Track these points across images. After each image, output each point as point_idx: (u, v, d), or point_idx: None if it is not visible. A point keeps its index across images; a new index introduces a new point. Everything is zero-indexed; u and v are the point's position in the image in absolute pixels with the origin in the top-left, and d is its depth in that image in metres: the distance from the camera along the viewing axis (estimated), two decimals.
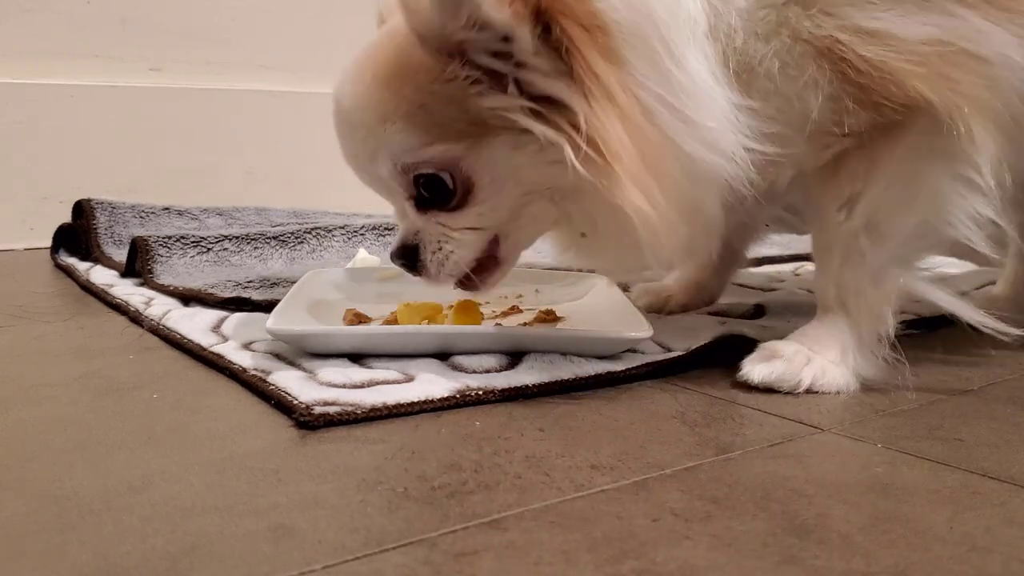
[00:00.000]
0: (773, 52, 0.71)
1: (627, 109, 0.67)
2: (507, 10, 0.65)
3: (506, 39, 0.67)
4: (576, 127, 0.67)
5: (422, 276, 0.80)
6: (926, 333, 0.95)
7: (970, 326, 0.79)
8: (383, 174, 0.76)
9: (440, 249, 0.78)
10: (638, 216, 0.68)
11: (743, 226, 1.03)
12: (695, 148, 0.69)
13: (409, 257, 0.80)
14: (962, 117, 0.70)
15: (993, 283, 1.18)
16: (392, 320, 0.91)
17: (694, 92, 0.68)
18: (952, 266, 1.33)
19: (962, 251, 0.78)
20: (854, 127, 0.74)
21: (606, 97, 0.66)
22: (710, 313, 1.03)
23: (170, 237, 1.28)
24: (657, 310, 1.04)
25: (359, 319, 0.91)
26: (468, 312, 0.92)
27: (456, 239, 0.78)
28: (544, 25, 0.67)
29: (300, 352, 0.83)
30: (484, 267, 0.81)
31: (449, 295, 0.92)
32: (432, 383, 0.75)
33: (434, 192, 0.76)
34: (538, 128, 0.69)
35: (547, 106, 0.69)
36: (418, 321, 0.90)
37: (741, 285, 1.20)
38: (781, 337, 0.84)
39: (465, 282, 0.81)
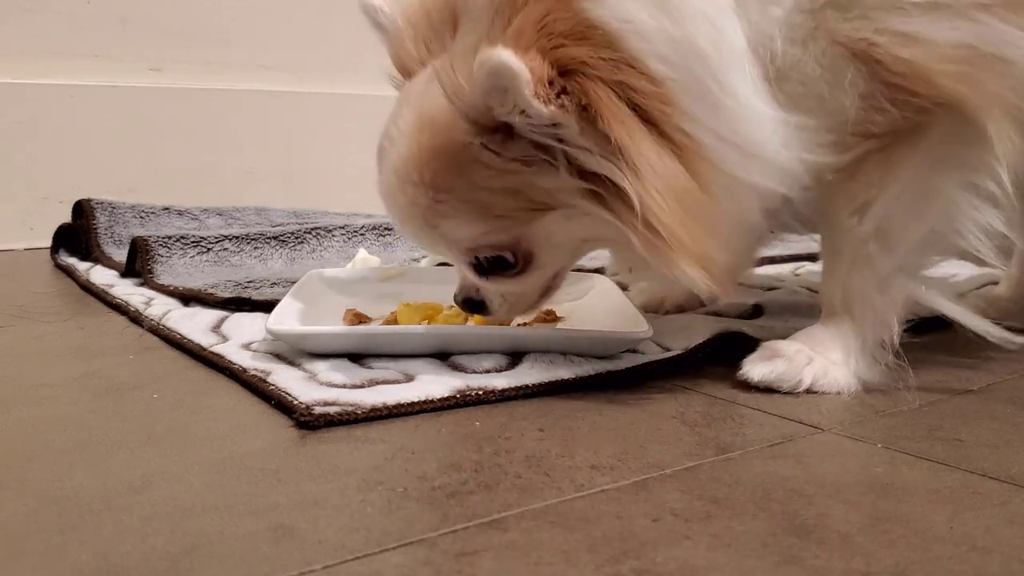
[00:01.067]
0: (810, 56, 0.71)
1: (672, 173, 0.66)
2: (552, 104, 0.64)
3: (554, 125, 0.66)
4: (630, 206, 0.66)
5: (488, 317, 0.84)
6: (926, 334, 0.95)
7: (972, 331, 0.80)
8: (443, 252, 0.79)
9: (506, 299, 0.81)
10: (696, 285, 0.68)
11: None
12: (751, 175, 0.69)
13: (476, 307, 0.83)
14: (985, 115, 0.71)
15: (994, 283, 1.17)
16: (392, 320, 0.91)
17: (745, 116, 0.68)
18: (951, 266, 1.33)
19: (964, 253, 0.78)
20: (881, 126, 0.74)
21: (651, 170, 0.65)
22: (708, 313, 1.03)
23: (170, 237, 1.28)
24: (653, 310, 1.04)
25: (359, 319, 0.91)
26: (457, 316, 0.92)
27: (520, 292, 0.81)
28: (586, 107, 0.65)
29: (300, 352, 0.83)
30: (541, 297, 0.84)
31: (438, 297, 0.94)
32: (432, 383, 0.75)
33: (496, 265, 0.77)
34: (595, 211, 0.69)
35: (600, 184, 0.68)
36: (418, 321, 0.90)
37: (739, 284, 1.19)
38: (779, 337, 0.84)
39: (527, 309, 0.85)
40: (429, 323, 0.91)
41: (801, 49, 0.71)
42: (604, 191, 0.68)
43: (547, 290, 0.83)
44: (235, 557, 0.47)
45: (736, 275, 0.84)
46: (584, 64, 0.65)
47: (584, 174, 0.68)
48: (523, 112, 0.65)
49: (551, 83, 0.64)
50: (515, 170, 0.69)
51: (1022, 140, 0.72)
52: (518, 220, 0.73)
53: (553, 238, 0.75)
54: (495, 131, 0.68)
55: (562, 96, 0.64)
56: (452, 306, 0.93)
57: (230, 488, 0.56)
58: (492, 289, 0.80)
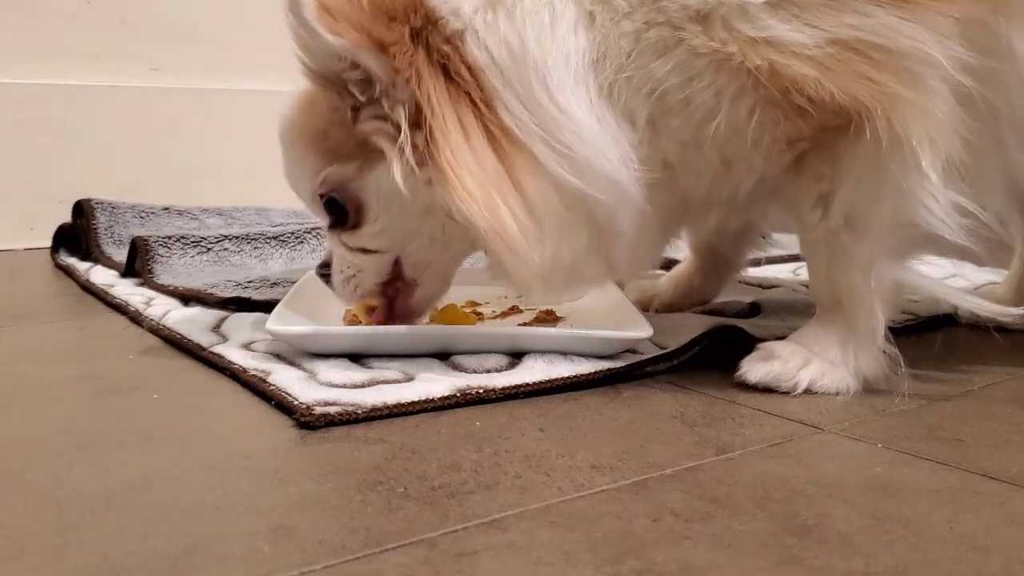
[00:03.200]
0: (672, 68, 0.72)
1: (471, 132, 0.72)
2: (344, 38, 0.72)
3: (357, 66, 0.74)
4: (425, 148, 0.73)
5: (335, 293, 0.87)
6: (926, 333, 0.95)
7: (969, 325, 0.79)
8: (307, 200, 0.84)
9: (343, 270, 0.84)
10: (486, 230, 0.71)
11: (734, 234, 1.03)
12: (564, 175, 0.73)
13: (326, 275, 0.87)
14: (892, 119, 0.70)
15: (994, 283, 1.18)
16: (353, 320, 0.90)
17: (569, 125, 0.72)
18: (951, 267, 1.33)
19: (960, 251, 0.78)
20: (794, 134, 0.75)
21: (443, 121, 0.72)
22: (704, 312, 1.03)
23: (170, 237, 1.28)
24: (643, 308, 1.04)
25: (359, 319, 0.91)
26: (451, 316, 0.92)
27: (357, 262, 0.83)
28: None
29: (300, 352, 0.83)
30: (399, 290, 0.85)
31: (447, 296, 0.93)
32: (433, 382, 0.75)
33: (334, 213, 0.82)
34: (384, 144, 0.75)
35: (416, 133, 0.74)
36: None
37: (737, 282, 1.20)
38: (777, 336, 0.84)
39: (390, 309, 0.86)
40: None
41: (663, 62, 0.72)
42: (418, 137, 0.74)
43: (395, 284, 0.84)
44: (235, 557, 0.47)
45: (614, 265, 0.83)
46: (408, 25, 0.73)
47: (396, 124, 0.74)
48: (306, 45, 0.75)
49: (362, 28, 0.72)
50: (347, 109, 0.77)
51: (942, 134, 0.71)
52: (349, 156, 0.79)
53: (382, 190, 0.78)
54: (333, 85, 0.77)
55: (351, 33, 0.72)
56: (438, 309, 0.94)
57: (230, 488, 0.56)
58: (337, 252, 0.84)
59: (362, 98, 0.75)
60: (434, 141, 0.72)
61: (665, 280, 1.09)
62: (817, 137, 0.75)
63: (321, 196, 0.81)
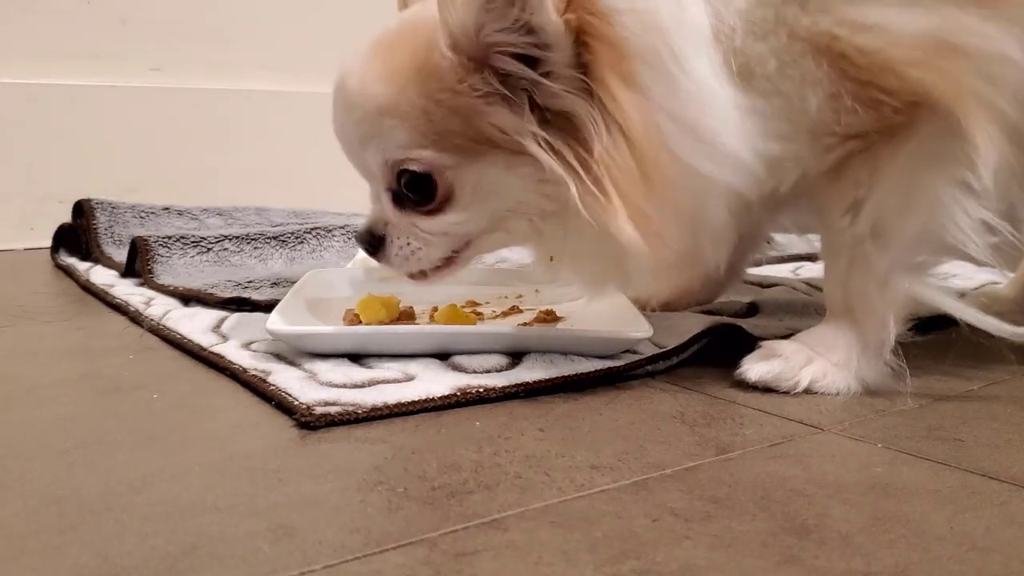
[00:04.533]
0: (770, 51, 0.71)
1: (641, 140, 0.67)
2: (559, 18, 0.65)
3: (545, 47, 0.66)
4: (583, 164, 0.67)
5: (381, 263, 0.81)
6: (926, 334, 0.95)
7: (973, 328, 0.79)
8: (368, 161, 0.76)
9: (408, 245, 0.79)
10: (632, 248, 0.68)
11: (740, 239, 1.03)
12: (702, 162, 0.69)
13: (373, 244, 0.80)
14: (962, 111, 0.70)
15: (995, 283, 1.17)
16: (354, 320, 0.90)
17: (701, 99, 0.68)
18: (951, 267, 1.33)
19: (963, 254, 0.78)
20: (856, 127, 0.74)
21: (621, 129, 0.66)
22: (702, 311, 1.03)
23: (170, 237, 1.28)
24: (640, 307, 1.04)
25: (359, 319, 0.91)
26: (452, 316, 0.92)
27: (426, 239, 0.78)
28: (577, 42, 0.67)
29: (300, 352, 0.83)
30: (440, 266, 0.81)
31: (439, 297, 0.95)
32: (433, 382, 0.75)
33: (415, 192, 0.75)
34: (544, 158, 0.68)
35: (557, 135, 0.68)
36: (380, 312, 0.90)
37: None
38: (775, 335, 0.84)
39: (416, 275, 0.81)
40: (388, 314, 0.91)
41: (763, 44, 0.71)
42: (558, 142, 0.68)
43: (452, 260, 0.80)
44: (235, 557, 0.47)
45: (695, 260, 0.83)
46: (588, 3, 0.66)
47: (543, 123, 0.68)
48: (521, 28, 0.65)
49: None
50: (473, 98, 0.69)
51: (1007, 140, 0.71)
52: (457, 148, 0.72)
53: (482, 184, 0.73)
54: (472, 63, 0.68)
55: (568, 13, 0.65)
56: (436, 308, 0.94)
57: (230, 488, 0.56)
58: (400, 227, 0.78)
59: (528, 78, 0.67)
60: (609, 155, 0.66)
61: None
62: (869, 138, 0.75)
63: (403, 171, 0.74)
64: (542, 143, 0.68)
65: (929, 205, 0.75)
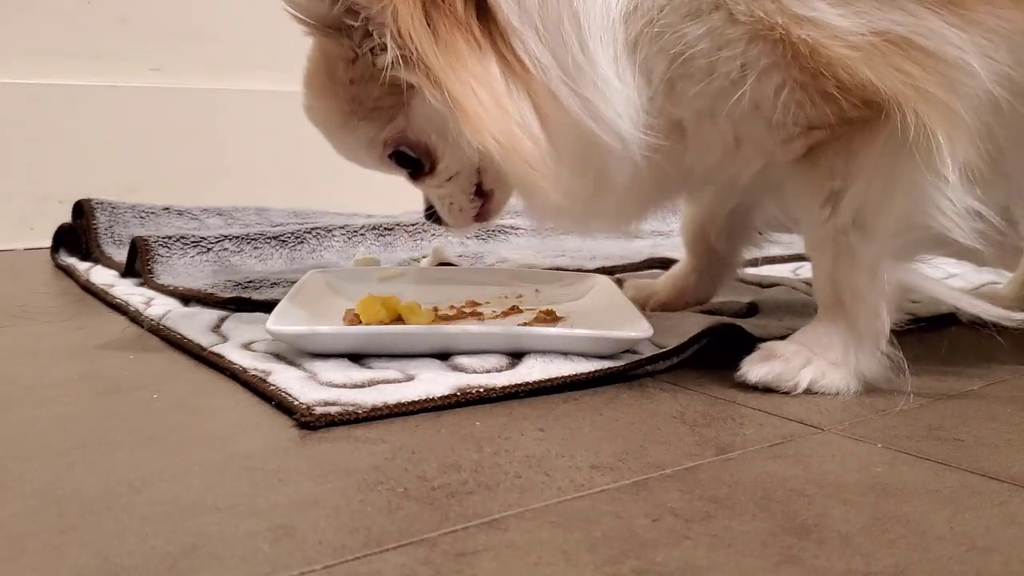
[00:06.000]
0: (705, 33, 0.72)
1: (476, 57, 0.71)
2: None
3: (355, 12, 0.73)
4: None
5: (448, 228, 0.93)
6: (927, 334, 0.95)
7: (971, 323, 0.79)
8: (373, 165, 0.85)
9: (443, 205, 0.88)
10: (496, 148, 0.71)
11: (728, 230, 1.03)
12: (581, 116, 0.72)
13: (432, 215, 0.92)
14: (921, 114, 0.69)
15: (995, 283, 1.18)
16: (354, 320, 0.90)
17: (590, 73, 0.72)
18: (951, 267, 1.33)
19: (962, 252, 0.77)
20: (817, 119, 0.74)
21: (453, 58, 0.71)
22: (702, 311, 1.03)
23: (170, 237, 1.28)
24: (639, 307, 1.04)
25: (359, 319, 0.91)
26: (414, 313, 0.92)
27: (445, 192, 0.87)
28: None
29: (300, 352, 0.83)
30: (479, 211, 0.89)
31: (438, 297, 0.97)
32: (433, 382, 0.75)
33: (408, 165, 0.84)
34: (403, 73, 0.73)
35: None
36: (381, 312, 0.90)
37: (736, 282, 1.19)
38: (775, 335, 0.84)
39: (466, 224, 0.91)
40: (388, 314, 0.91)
41: (696, 25, 0.72)
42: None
43: (486, 199, 0.87)
44: (235, 557, 0.47)
45: (599, 209, 0.85)
46: None
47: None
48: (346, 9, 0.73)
49: None
50: (365, 61, 0.76)
51: (967, 139, 0.71)
52: (394, 108, 0.79)
53: (431, 124, 0.79)
54: (340, 32, 0.76)
55: None
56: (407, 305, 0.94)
57: (230, 488, 0.56)
58: (430, 195, 0.89)
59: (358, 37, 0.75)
60: (433, 67, 0.71)
61: (662, 279, 1.09)
62: (836, 129, 0.75)
63: (389, 158, 0.83)
64: (404, 63, 0.73)
65: (909, 192, 0.74)
